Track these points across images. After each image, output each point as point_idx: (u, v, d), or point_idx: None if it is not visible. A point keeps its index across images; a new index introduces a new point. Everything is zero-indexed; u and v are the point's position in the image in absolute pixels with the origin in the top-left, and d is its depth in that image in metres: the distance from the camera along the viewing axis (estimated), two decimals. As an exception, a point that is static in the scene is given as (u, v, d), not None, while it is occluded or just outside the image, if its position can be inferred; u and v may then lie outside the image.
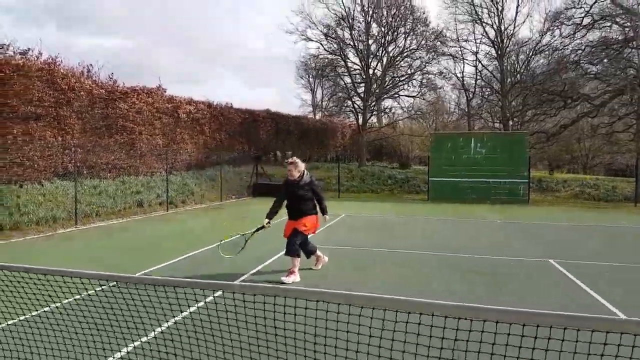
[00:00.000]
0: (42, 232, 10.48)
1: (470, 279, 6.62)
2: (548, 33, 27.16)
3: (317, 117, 39.94)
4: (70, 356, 2.72)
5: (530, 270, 7.17)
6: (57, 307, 2.90)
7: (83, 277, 2.23)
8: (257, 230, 6.52)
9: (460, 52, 30.67)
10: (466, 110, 32.63)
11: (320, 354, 2.26)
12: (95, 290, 3.46)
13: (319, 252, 7.06)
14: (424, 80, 30.58)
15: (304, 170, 6.74)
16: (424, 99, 32.20)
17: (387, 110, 34.88)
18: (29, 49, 12.13)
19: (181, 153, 18.74)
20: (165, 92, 17.97)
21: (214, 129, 21.08)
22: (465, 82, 32.31)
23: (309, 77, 46.36)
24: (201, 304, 4.62)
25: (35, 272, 2.30)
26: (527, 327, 1.69)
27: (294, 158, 6.85)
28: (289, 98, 76.31)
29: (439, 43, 29.43)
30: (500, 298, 5.67)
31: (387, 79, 30.50)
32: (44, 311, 2.87)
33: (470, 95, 32.17)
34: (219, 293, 4.57)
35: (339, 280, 6.57)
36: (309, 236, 6.74)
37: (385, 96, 31.56)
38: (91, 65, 14.64)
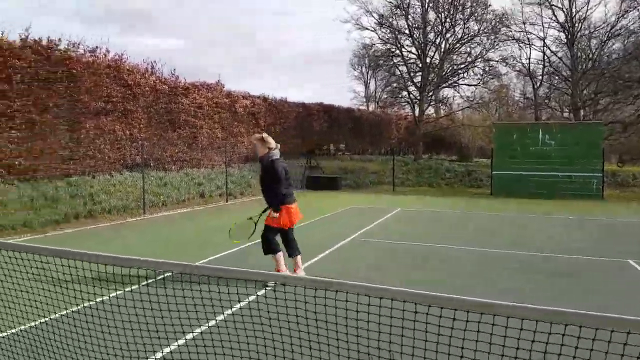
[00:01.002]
0: (113, 220, 11.09)
1: (541, 278, 6.21)
2: (625, 15, 25.04)
3: (371, 109, 39.47)
4: (130, 345, 2.78)
5: (607, 270, 6.62)
6: (119, 295, 2.99)
7: (143, 267, 2.25)
8: (264, 212, 5.97)
9: (526, 37, 28.97)
10: (533, 99, 30.86)
11: (384, 351, 2.14)
12: (156, 280, 3.55)
13: (279, 257, 5.74)
14: (486, 68, 29.22)
15: (269, 148, 5.65)
16: (486, 88, 30.83)
17: (446, 100, 33.77)
18: (97, 47, 12.82)
19: (238, 146, 19.17)
20: (223, 87, 18.42)
21: (269, 122, 21.39)
22: (531, 69, 30.52)
23: (361, 68, 45.92)
24: (261, 292, 4.69)
25: (87, 260, 2.35)
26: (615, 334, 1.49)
27: (260, 135, 5.84)
28: (341, 92, 76.11)
29: (502, 27, 27.94)
30: (576, 300, 5.26)
31: (445, 67, 29.47)
32: (113, 297, 2.97)
33: (537, 83, 30.38)
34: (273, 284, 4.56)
35: (397, 276, 6.39)
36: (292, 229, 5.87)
37: (443, 85, 30.51)
38: (155, 62, 15.25)
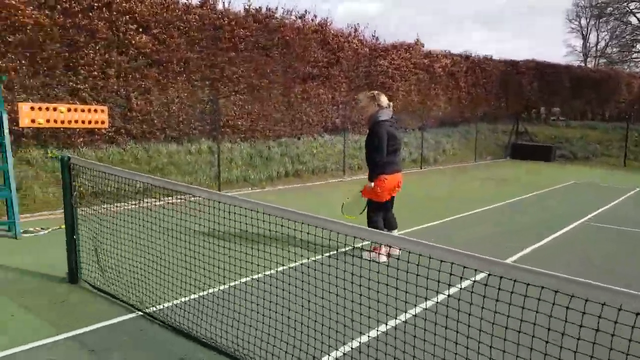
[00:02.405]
0: (316, 180, 11.70)
1: None
2: None
3: (589, 66, 33.29)
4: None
5: None
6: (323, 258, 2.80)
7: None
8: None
9: None
10: None
11: None
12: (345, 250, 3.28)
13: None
14: None
15: (379, 107, 4.90)
16: None
17: None
18: (306, 11, 13.32)
19: (434, 110, 18.26)
20: (422, 47, 17.56)
21: (470, 83, 19.78)
22: None
23: (580, 19, 38.84)
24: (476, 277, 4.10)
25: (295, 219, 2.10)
26: None
27: (368, 92, 5.11)
28: (553, 46, 66.09)
29: None
30: None
31: None
32: (313, 260, 2.82)
33: None
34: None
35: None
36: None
37: None
38: (358, 24, 15.24)
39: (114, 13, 9.10)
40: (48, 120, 6.16)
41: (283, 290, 3.01)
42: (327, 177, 12.16)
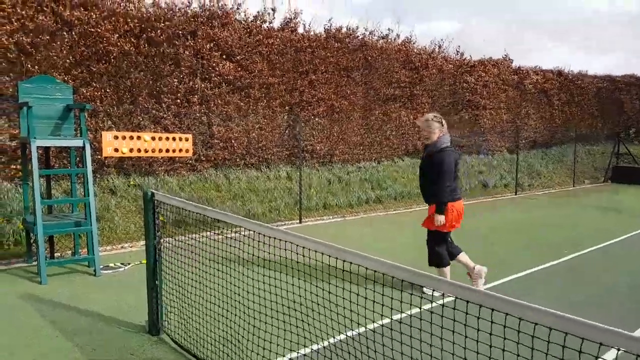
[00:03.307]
0: (399, 207, 10.78)
1: None
2: None
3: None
4: None
5: None
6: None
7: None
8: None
9: None
10: None
11: None
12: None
13: (447, 272, 4.75)
14: None
15: (437, 133, 4.61)
16: None
17: None
18: (389, 30, 12.66)
19: (525, 129, 16.71)
20: (511, 62, 16.23)
21: (563, 101, 18.00)
22: None
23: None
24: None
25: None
26: None
27: (433, 116, 4.72)
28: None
29: None
30: None
31: None
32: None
33: None
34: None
35: None
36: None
37: None
38: (442, 40, 14.34)
39: (199, 40, 8.95)
40: (131, 150, 5.89)
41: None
42: (411, 203, 11.19)
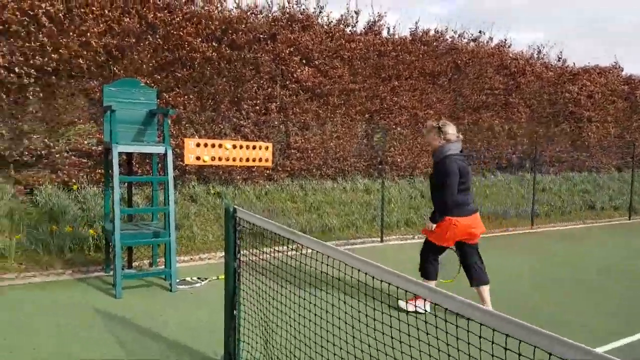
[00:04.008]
0: (492, 227, 9.68)
1: None
2: None
3: None
4: None
5: None
6: None
7: None
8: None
9: None
10: None
11: None
12: None
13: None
14: None
15: (446, 140, 4.28)
16: None
17: None
18: (480, 33, 11.62)
19: (637, 145, 14.72)
20: (621, 70, 14.41)
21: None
22: None
23: None
24: None
25: None
26: None
27: (433, 122, 4.48)
28: None
29: None
30: None
31: None
32: None
33: None
34: None
35: None
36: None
37: None
38: (542, 45, 13.01)
39: (278, 44, 8.63)
40: (213, 158, 5.57)
41: None
42: (506, 225, 10.03)
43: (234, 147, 5.93)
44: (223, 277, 3.34)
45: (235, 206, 3.19)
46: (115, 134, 4.65)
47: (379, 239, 8.07)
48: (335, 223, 8.32)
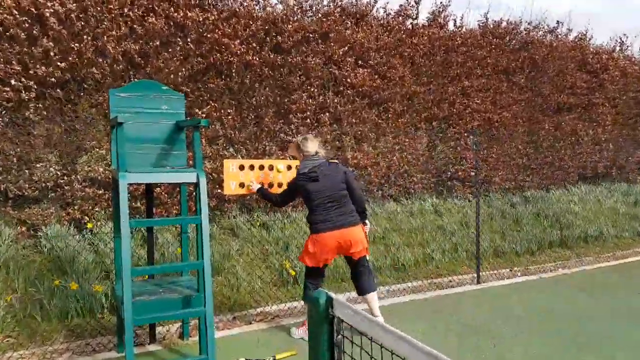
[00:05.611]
0: (594, 253, 7.85)
1: None
2: None
3: None
4: None
5: None
6: None
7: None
8: None
9: None
10: None
11: None
12: None
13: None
14: None
15: (304, 156, 4.16)
16: None
17: None
18: (558, 23, 9.89)
19: None
20: None
21: None
22: None
23: None
24: None
25: None
26: None
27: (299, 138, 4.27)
28: None
29: None
30: None
31: None
32: None
33: None
34: None
35: None
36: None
37: None
38: (625, 35, 11.14)
39: (331, 44, 7.19)
40: (262, 184, 4.14)
41: None
42: (611, 248, 8.18)
43: (289, 168, 4.49)
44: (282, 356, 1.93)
45: (329, 293, 1.66)
46: (123, 157, 3.22)
47: (469, 277, 6.36)
48: (408, 257, 6.71)
